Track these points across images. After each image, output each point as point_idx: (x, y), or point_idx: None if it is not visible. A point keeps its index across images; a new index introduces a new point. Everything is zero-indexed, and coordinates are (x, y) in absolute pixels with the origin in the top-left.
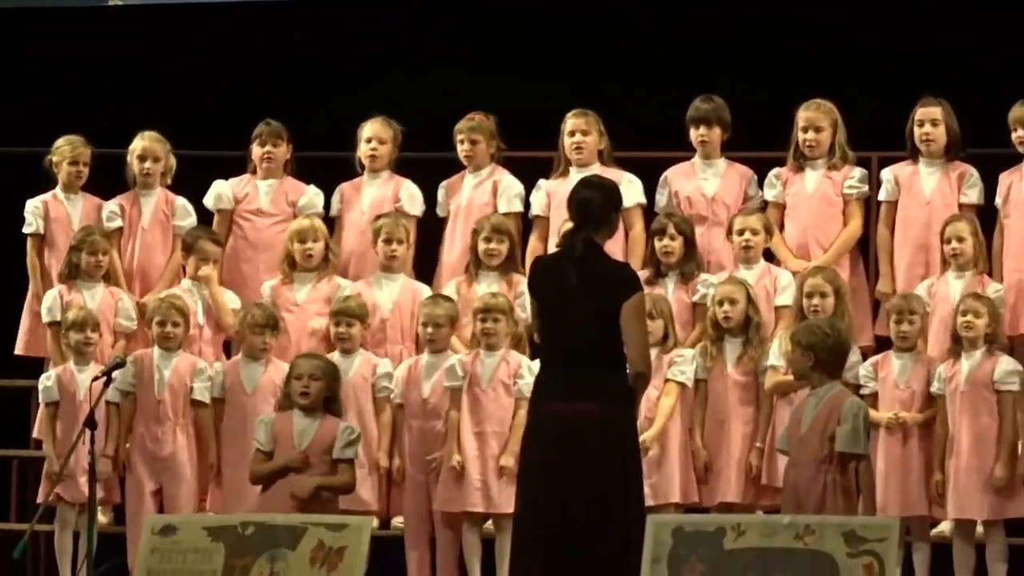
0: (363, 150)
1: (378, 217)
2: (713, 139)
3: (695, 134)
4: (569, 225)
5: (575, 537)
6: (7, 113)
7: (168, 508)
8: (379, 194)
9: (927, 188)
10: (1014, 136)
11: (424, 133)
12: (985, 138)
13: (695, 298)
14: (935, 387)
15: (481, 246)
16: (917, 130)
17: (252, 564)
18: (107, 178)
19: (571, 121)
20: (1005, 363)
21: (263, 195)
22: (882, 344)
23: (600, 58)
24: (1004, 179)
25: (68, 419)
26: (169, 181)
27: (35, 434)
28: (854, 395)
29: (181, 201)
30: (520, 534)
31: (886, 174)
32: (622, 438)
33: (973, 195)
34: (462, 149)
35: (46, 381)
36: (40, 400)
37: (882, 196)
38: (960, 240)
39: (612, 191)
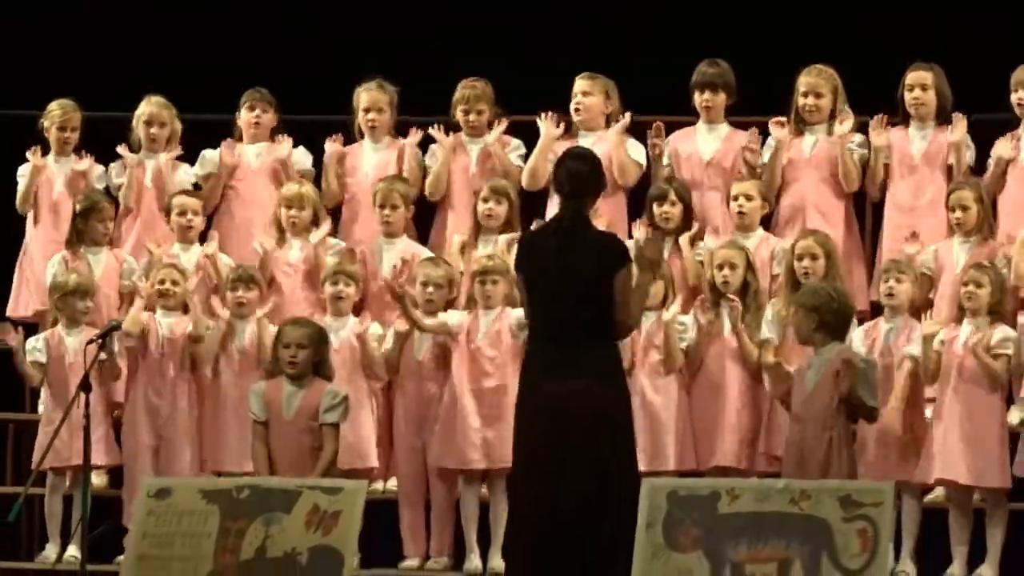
0: (362, 119)
1: (377, 182)
2: (718, 104)
3: (699, 98)
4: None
5: (566, 515)
6: (2, 75)
7: (166, 460)
8: (382, 159)
9: (916, 152)
10: (1014, 97)
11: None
12: (984, 103)
13: None
14: (935, 345)
15: (480, 207)
16: (907, 95)
17: (247, 527)
18: (106, 141)
19: (577, 83)
20: (1001, 331)
21: (253, 158)
22: (877, 310)
23: (604, 21)
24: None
25: (56, 382)
26: (173, 145)
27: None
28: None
29: (184, 166)
30: (514, 512)
31: None
32: (613, 415)
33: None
34: (466, 119)
35: (35, 343)
36: (27, 359)
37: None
38: (964, 209)
39: (598, 162)
